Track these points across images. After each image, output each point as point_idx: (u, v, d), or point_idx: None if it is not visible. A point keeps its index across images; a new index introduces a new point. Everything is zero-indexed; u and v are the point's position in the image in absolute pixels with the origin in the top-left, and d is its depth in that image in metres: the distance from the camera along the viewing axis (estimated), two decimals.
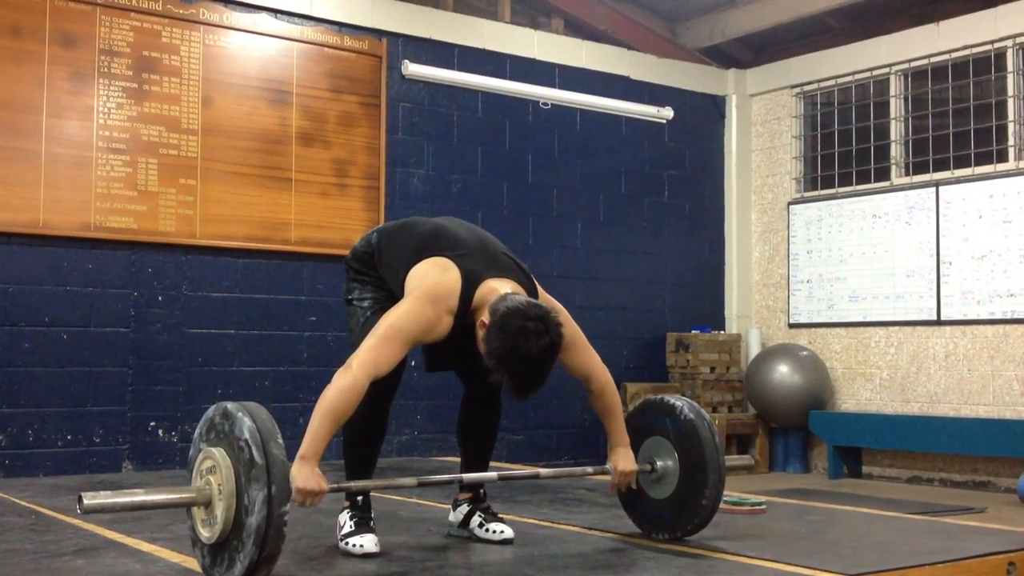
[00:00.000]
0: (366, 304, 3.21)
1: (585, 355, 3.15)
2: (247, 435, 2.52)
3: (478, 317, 2.90)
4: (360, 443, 3.17)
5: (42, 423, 5.51)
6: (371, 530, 3.09)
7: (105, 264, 5.73)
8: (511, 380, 2.83)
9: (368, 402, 2.83)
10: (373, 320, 3.01)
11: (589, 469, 3.37)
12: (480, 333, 2.87)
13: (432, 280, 2.94)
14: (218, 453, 2.58)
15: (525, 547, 3.20)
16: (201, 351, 5.98)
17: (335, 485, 2.79)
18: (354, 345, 2.98)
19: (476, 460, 3.36)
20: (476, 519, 3.31)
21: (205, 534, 2.62)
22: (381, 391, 2.96)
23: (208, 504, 2.59)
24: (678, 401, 3.30)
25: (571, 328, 3.04)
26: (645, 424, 3.34)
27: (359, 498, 3.14)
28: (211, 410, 2.68)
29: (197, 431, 2.71)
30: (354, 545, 3.03)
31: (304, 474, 2.66)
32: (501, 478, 3.22)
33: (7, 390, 5.43)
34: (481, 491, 3.39)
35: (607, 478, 3.28)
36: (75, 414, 5.60)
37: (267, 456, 2.49)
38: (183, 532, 3.43)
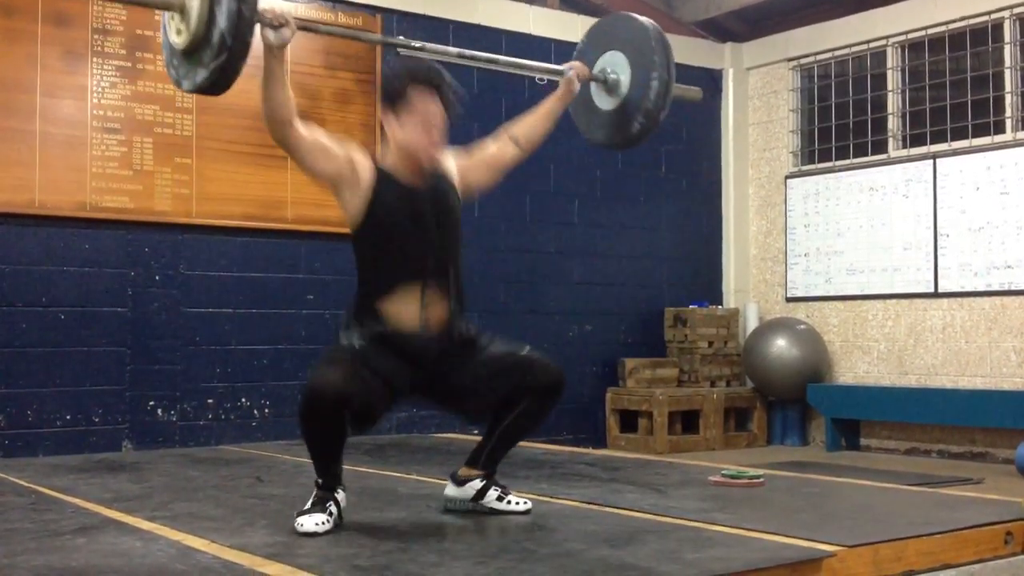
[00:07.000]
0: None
1: (484, 143, 3.54)
2: None
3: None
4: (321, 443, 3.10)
5: (41, 403, 5.51)
6: (324, 510, 3.02)
7: (101, 244, 5.72)
8: (421, 83, 3.18)
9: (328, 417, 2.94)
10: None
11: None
12: (394, 125, 3.22)
13: None
14: None
15: (525, 521, 3.22)
16: (199, 330, 5.98)
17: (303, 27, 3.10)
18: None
19: (498, 446, 3.37)
20: (493, 493, 3.36)
21: (179, 41, 2.87)
22: (338, 410, 2.94)
23: (183, 9, 2.83)
24: (640, 18, 3.50)
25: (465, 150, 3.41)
26: (605, 38, 3.52)
27: (319, 479, 3.09)
28: None
29: None
30: (299, 524, 2.99)
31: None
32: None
33: (5, 371, 5.43)
34: (494, 469, 3.42)
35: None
36: (74, 394, 5.60)
37: None
38: (184, 511, 3.46)
